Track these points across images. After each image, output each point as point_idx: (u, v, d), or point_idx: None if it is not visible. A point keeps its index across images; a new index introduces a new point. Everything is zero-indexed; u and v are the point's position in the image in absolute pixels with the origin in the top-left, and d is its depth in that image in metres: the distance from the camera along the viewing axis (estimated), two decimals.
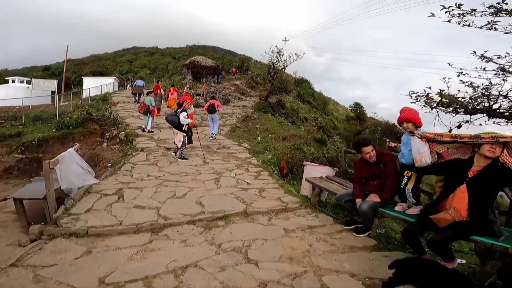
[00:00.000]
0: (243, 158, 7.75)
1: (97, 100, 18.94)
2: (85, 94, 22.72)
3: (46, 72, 62.72)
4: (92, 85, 27.18)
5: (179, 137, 7.02)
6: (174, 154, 7.19)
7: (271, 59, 16.43)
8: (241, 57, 43.96)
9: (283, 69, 16.66)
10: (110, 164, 7.66)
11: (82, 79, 35.91)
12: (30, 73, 46.61)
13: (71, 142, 10.55)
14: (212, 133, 9.75)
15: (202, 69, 20.14)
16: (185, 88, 17.74)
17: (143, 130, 10.50)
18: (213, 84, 19.47)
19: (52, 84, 21.11)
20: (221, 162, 7.19)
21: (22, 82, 29.17)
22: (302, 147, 10.19)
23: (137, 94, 16.58)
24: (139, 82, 17.11)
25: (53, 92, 20.89)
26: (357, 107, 29.99)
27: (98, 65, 57.56)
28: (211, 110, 9.56)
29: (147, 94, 12.03)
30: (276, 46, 16.32)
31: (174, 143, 7.37)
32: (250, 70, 34.89)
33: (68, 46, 15.16)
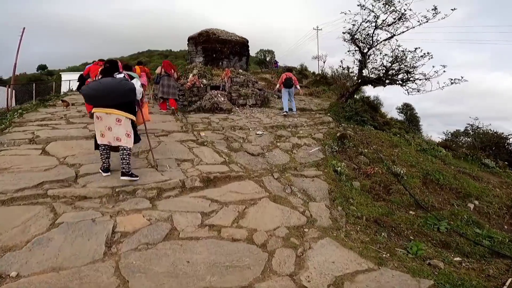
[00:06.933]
0: None
1: (44, 101, 11.04)
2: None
3: (42, 71, 56.74)
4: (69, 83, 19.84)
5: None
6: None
7: (369, 14, 7.66)
8: (262, 51, 35.04)
9: (394, 37, 7.62)
10: None
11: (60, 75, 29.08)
12: (44, 77, 42.19)
13: None
14: (289, 112, 7.82)
15: (223, 46, 11.13)
16: (191, 76, 9.43)
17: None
18: (240, 70, 10.95)
19: None
20: None
21: None
22: None
23: None
24: None
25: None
26: (407, 109, 24.13)
27: None
28: (289, 84, 7.83)
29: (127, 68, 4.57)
30: None
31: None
32: (276, 64, 27.47)
33: (24, 28, 8.29)
